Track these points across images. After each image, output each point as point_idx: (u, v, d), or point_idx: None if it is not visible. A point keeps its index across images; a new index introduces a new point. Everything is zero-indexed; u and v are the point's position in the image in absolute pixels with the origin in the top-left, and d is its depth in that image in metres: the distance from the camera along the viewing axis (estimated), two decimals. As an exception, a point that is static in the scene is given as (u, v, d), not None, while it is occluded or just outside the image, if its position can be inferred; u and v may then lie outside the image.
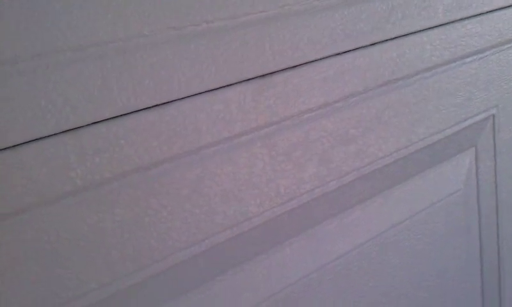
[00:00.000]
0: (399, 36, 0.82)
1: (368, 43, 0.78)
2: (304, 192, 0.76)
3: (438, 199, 1.00)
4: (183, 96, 0.63)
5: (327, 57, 0.73)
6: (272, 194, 0.72)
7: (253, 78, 0.67)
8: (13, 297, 0.56)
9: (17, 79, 0.52)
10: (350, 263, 0.88)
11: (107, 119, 0.59)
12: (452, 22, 0.90)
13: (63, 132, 0.57)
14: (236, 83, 0.65)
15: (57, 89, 0.54)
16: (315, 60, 0.73)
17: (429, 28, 0.87)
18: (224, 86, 0.65)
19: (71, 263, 0.59)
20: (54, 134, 0.56)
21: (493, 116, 1.05)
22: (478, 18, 0.95)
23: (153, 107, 0.62)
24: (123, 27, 0.57)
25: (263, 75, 0.67)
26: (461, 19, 0.92)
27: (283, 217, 0.76)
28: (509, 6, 1.00)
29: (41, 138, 0.55)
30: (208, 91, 0.65)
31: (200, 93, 0.64)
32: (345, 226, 0.87)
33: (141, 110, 0.61)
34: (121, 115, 0.59)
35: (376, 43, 0.79)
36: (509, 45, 1.03)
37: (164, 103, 0.62)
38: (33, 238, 0.56)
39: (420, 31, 0.85)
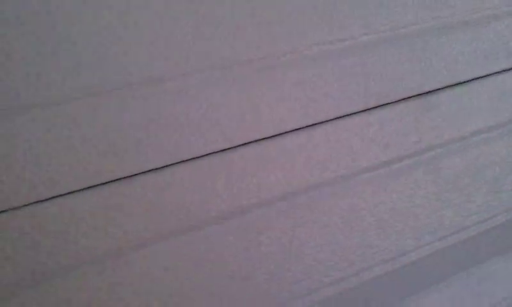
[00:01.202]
0: None
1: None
2: (471, 225, 0.65)
3: None
4: (334, 117, 0.57)
5: (502, 71, 0.63)
6: (434, 226, 0.63)
7: (414, 96, 0.59)
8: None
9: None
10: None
11: (255, 140, 0.55)
12: None
13: (211, 153, 0.54)
14: (395, 102, 0.58)
15: (200, 109, 0.52)
16: (487, 75, 0.62)
17: None
18: (380, 105, 0.58)
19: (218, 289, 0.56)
20: (202, 156, 0.54)
21: None
22: None
23: (301, 128, 0.57)
24: (271, 44, 0.54)
25: (426, 93, 0.59)
26: None
27: (444, 253, 0.66)
28: None
29: (189, 159, 0.53)
30: (363, 111, 0.58)
31: (353, 113, 0.58)
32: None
33: (288, 132, 0.56)
34: (268, 137, 0.55)
35: None
36: None
37: (313, 124, 0.57)
38: (177, 262, 0.54)
39: None
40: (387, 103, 0.58)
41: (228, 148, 0.55)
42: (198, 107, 0.52)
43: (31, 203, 0.48)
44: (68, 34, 0.44)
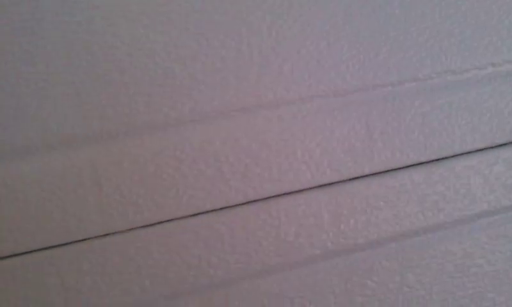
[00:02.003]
0: None
1: None
2: None
3: None
4: (456, 154, 0.51)
5: None
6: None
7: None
8: None
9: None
10: None
11: (367, 175, 0.50)
12: None
13: (318, 186, 0.49)
14: (529, 141, 0.52)
15: (312, 138, 0.47)
16: None
17: None
18: (511, 143, 0.52)
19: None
20: (310, 188, 0.49)
21: None
22: None
23: (418, 164, 0.51)
24: (395, 71, 0.48)
25: None
26: None
27: None
28: None
29: (296, 192, 0.48)
30: (488, 148, 0.52)
31: (477, 151, 0.52)
32: None
33: (404, 167, 0.50)
34: (382, 172, 0.50)
35: None
36: None
37: (434, 160, 0.51)
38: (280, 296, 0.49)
39: None
40: (520, 142, 0.51)
41: (337, 182, 0.50)
42: (313, 135, 0.47)
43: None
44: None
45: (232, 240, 0.49)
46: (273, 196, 0.49)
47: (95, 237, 0.46)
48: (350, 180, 0.50)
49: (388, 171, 0.51)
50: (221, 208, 0.48)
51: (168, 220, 0.47)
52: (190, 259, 0.48)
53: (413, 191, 0.51)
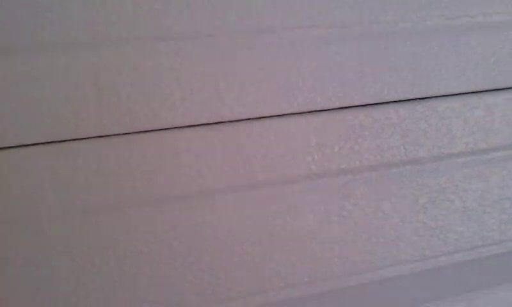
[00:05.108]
0: None
1: None
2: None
3: None
4: (441, 94, 0.55)
5: None
6: (521, 224, 0.61)
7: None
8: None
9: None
10: None
11: (354, 106, 0.54)
12: None
13: (308, 112, 0.53)
14: (510, 88, 0.55)
15: (309, 66, 0.50)
16: None
17: None
18: (493, 90, 0.55)
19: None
20: (300, 113, 0.53)
21: None
22: None
23: (405, 101, 0.54)
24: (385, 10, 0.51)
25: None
26: None
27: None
28: None
29: (288, 114, 0.51)
30: (472, 92, 0.55)
31: (460, 94, 0.55)
32: None
33: (391, 102, 0.54)
34: (371, 104, 0.54)
35: None
36: None
37: (419, 98, 0.54)
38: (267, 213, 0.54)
39: None
40: (501, 89, 0.55)
41: (327, 109, 0.53)
42: (308, 63, 0.51)
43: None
44: None
45: (223, 154, 0.52)
46: (266, 117, 0.53)
47: (92, 137, 0.49)
48: (339, 108, 0.54)
49: (375, 104, 0.54)
50: (215, 123, 0.52)
51: (163, 129, 0.51)
52: (181, 168, 0.52)
53: (398, 125, 0.55)
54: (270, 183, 0.54)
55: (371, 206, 0.57)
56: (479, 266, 0.62)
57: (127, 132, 0.49)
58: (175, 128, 0.50)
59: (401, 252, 0.58)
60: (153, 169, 0.50)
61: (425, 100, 0.55)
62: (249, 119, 0.52)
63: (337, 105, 0.54)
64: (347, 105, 0.54)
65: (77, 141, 0.48)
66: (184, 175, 0.51)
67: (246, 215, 0.54)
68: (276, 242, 0.55)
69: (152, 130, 0.50)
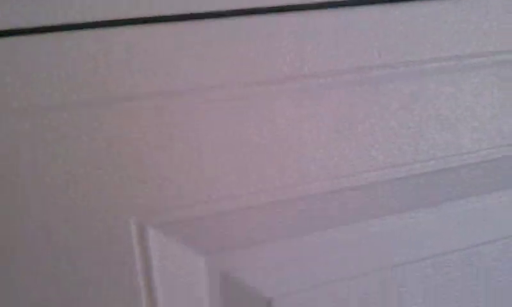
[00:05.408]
0: None
1: None
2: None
3: None
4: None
5: None
6: (493, 133, 0.61)
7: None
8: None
9: None
10: None
11: (330, 2, 0.53)
12: None
13: (280, 10, 0.52)
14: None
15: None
16: None
17: None
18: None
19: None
20: (276, 11, 0.52)
21: None
22: None
23: (379, 2, 0.54)
24: None
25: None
26: None
27: (502, 162, 0.64)
28: None
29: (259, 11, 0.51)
30: (448, -5, 0.54)
31: (437, -3, 0.55)
32: None
33: (366, 4, 0.53)
34: (344, 5, 0.53)
35: None
36: None
37: (395, 0, 0.54)
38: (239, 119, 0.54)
39: None
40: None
41: (297, 10, 0.53)
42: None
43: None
44: None
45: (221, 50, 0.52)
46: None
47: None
48: (319, 7, 0.53)
49: (347, 5, 0.54)
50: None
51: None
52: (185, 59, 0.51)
53: (370, 28, 0.54)
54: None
55: (343, 112, 0.57)
56: (452, 176, 0.63)
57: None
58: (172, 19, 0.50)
59: (373, 159, 0.59)
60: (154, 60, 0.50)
61: (401, 2, 0.54)
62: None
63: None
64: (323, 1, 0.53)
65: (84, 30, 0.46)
66: (187, 68, 0.51)
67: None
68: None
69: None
